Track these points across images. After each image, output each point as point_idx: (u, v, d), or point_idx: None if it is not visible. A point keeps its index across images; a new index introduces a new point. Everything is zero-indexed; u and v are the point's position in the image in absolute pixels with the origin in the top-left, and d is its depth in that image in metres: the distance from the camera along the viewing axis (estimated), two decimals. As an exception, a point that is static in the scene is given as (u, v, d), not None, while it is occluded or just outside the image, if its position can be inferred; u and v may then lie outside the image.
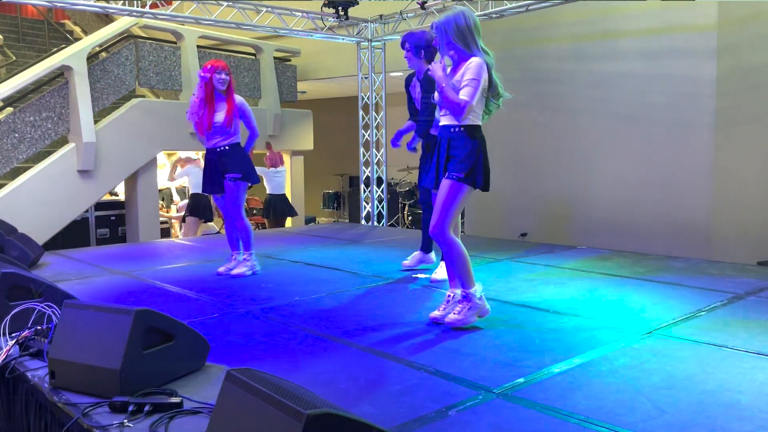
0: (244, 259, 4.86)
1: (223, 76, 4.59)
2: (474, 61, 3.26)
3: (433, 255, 5.05)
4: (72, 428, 2.23)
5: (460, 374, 2.69)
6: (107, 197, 8.67)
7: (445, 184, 3.32)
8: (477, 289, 3.38)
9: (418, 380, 2.63)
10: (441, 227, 3.30)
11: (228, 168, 4.71)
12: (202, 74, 4.58)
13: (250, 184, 4.84)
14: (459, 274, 3.37)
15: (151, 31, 9.44)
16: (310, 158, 11.11)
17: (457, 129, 3.33)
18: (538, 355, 2.91)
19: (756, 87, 6.41)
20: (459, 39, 3.29)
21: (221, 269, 4.96)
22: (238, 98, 4.74)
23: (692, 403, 2.35)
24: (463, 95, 3.23)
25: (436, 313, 3.48)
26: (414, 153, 4.63)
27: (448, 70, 3.48)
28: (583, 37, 7.46)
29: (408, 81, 4.89)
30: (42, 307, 2.94)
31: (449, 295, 3.52)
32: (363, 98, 9.23)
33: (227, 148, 4.71)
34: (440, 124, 3.46)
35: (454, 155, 3.32)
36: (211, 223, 8.92)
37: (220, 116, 4.62)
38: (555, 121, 7.75)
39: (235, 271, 4.80)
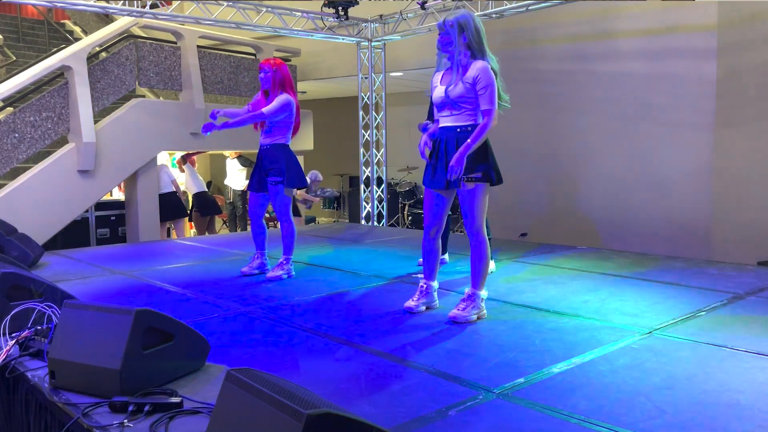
0: (281, 262, 4.78)
1: (261, 75, 4.65)
2: (484, 67, 3.34)
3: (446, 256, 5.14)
4: (72, 428, 2.23)
5: (460, 374, 2.69)
6: (108, 197, 8.68)
7: (466, 188, 3.41)
8: (484, 294, 3.56)
9: (418, 380, 2.63)
10: (477, 227, 3.46)
11: (269, 169, 4.68)
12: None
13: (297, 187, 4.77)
14: (479, 273, 3.51)
15: (151, 31, 9.44)
16: (310, 158, 11.11)
17: (465, 128, 3.40)
18: (538, 355, 2.91)
19: (756, 87, 6.41)
20: (475, 39, 3.38)
21: (245, 269, 4.93)
22: (282, 97, 4.58)
23: (692, 403, 2.35)
24: (486, 105, 3.34)
25: (427, 305, 3.67)
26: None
27: (442, 73, 3.49)
28: (583, 37, 7.46)
29: None
30: (42, 307, 2.94)
31: (422, 287, 3.73)
32: (363, 98, 9.22)
33: (269, 147, 4.70)
34: (443, 124, 3.48)
35: (468, 156, 3.37)
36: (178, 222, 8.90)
37: None
38: (555, 121, 7.75)
39: (270, 274, 4.73)
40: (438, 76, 3.53)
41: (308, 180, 9.66)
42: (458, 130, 3.41)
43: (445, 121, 3.47)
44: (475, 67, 3.35)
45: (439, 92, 3.46)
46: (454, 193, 3.58)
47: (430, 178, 3.53)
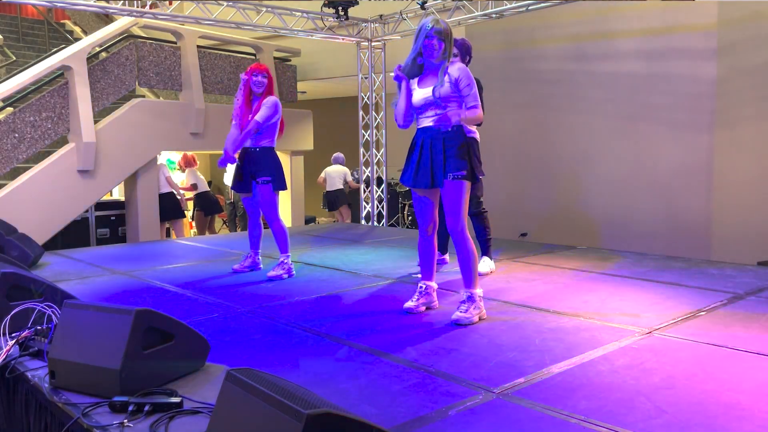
0: (282, 261, 4.79)
1: (260, 78, 4.65)
2: (464, 67, 3.46)
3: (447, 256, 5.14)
4: (72, 428, 2.23)
5: (460, 374, 2.69)
6: (108, 197, 8.68)
7: (452, 185, 3.44)
8: (480, 291, 3.57)
9: (418, 380, 2.63)
10: (461, 225, 3.47)
11: (258, 170, 4.69)
12: (243, 76, 4.70)
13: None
14: (471, 271, 3.50)
15: (151, 31, 9.44)
16: (310, 158, 11.10)
17: (450, 129, 3.47)
18: (538, 355, 2.91)
19: (756, 87, 6.42)
20: (452, 44, 3.52)
21: (236, 266, 4.99)
22: (269, 99, 4.67)
23: (692, 403, 2.35)
24: (473, 102, 3.44)
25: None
26: None
27: (416, 80, 3.56)
28: (583, 37, 7.46)
29: None
30: (42, 307, 2.94)
31: (421, 287, 3.72)
32: (363, 98, 9.23)
33: (257, 150, 4.71)
34: (427, 124, 3.52)
35: (452, 154, 3.44)
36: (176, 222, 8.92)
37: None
38: (555, 121, 7.75)
39: (271, 273, 4.73)
40: (414, 82, 3.57)
41: (334, 162, 10.03)
42: (444, 130, 3.46)
43: (430, 121, 3.50)
44: (455, 67, 3.45)
45: (422, 94, 3.50)
46: (438, 192, 3.60)
47: (413, 177, 3.57)
